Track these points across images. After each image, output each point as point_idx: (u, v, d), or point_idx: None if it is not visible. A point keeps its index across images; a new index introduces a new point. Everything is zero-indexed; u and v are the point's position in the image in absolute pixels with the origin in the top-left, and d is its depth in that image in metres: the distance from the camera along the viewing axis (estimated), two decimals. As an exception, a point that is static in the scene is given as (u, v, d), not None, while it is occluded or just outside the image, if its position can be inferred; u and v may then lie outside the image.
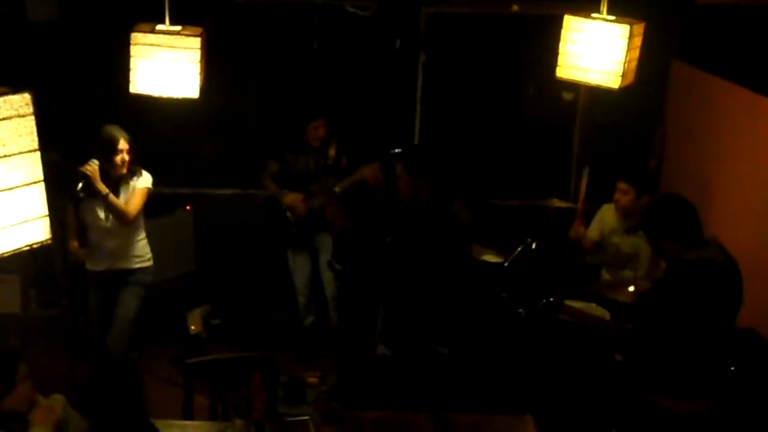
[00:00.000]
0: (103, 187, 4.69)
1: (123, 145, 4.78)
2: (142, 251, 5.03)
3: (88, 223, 4.91)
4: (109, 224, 4.86)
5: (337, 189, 5.73)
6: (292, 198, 5.76)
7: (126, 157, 4.80)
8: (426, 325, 4.70)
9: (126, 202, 4.82)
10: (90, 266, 5.01)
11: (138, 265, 4.99)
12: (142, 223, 5.01)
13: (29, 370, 3.22)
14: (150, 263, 5.06)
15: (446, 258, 4.62)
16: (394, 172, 5.06)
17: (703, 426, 3.72)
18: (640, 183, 5.04)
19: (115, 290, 4.96)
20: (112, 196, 4.74)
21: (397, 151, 5.15)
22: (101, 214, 4.84)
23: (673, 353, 3.67)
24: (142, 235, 5.04)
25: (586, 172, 5.39)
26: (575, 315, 4.44)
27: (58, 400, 3.38)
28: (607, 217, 5.28)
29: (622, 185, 5.09)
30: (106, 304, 5.00)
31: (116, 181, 4.82)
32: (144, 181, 4.90)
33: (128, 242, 4.95)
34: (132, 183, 4.87)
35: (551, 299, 4.41)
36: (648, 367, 3.79)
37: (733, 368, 4.11)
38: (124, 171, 4.81)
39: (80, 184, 4.63)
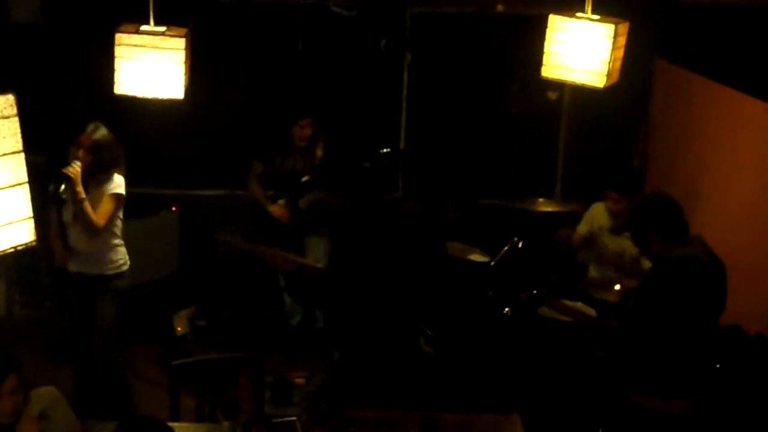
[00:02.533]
0: (81, 191, 4.58)
1: (85, 138, 4.63)
2: (117, 256, 4.88)
3: (66, 225, 4.84)
4: (79, 227, 4.80)
5: (302, 203, 5.75)
6: (277, 211, 5.75)
7: (81, 156, 4.61)
8: (381, 325, 4.74)
9: (95, 211, 4.66)
10: (68, 266, 4.95)
11: (112, 272, 4.87)
12: (116, 227, 4.86)
13: (21, 383, 3.17)
14: (125, 268, 4.91)
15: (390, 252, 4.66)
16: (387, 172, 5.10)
17: (687, 424, 3.74)
18: (631, 191, 5.01)
19: (91, 295, 4.90)
20: (86, 204, 4.60)
21: (385, 151, 5.16)
22: (72, 218, 4.78)
23: (656, 352, 3.69)
24: (117, 239, 4.89)
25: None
26: (561, 310, 4.45)
27: (46, 394, 3.35)
28: (597, 215, 5.29)
29: (612, 195, 5.07)
30: (82, 306, 4.92)
31: (84, 184, 4.64)
32: (114, 186, 4.73)
33: (101, 247, 4.82)
34: (101, 188, 4.71)
35: (536, 291, 4.43)
36: (631, 366, 3.80)
37: (717, 366, 4.13)
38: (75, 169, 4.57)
39: (63, 186, 4.58)
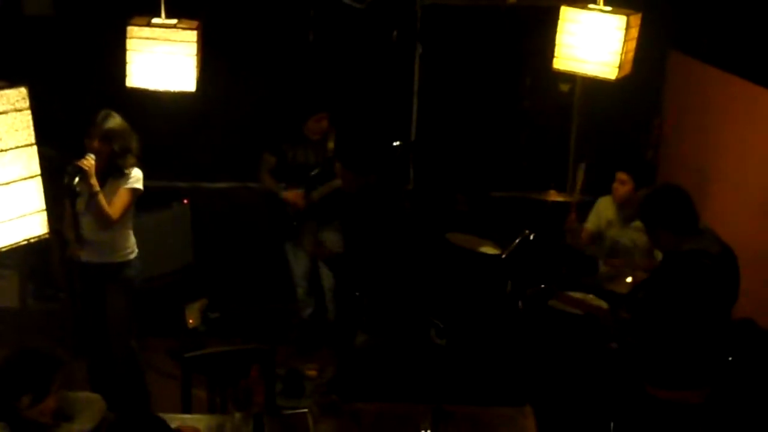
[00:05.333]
0: (95, 184, 4.60)
1: (97, 128, 4.63)
2: (125, 244, 4.91)
3: (78, 214, 4.84)
4: (91, 217, 4.81)
5: (314, 195, 5.74)
6: (292, 195, 5.74)
7: (96, 146, 4.62)
8: (403, 312, 4.74)
9: (110, 204, 4.69)
10: (80, 257, 4.96)
11: (120, 260, 4.89)
12: (128, 218, 4.88)
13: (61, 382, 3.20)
14: (132, 257, 4.94)
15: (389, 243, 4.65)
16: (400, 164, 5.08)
17: (701, 415, 3.73)
18: (639, 174, 5.04)
19: (100, 286, 4.91)
20: (101, 197, 4.63)
21: (397, 144, 5.16)
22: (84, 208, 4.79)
23: (667, 344, 3.68)
24: (127, 229, 4.92)
25: (582, 166, 5.37)
26: (570, 302, 4.45)
27: (97, 401, 3.39)
28: (604, 209, 5.27)
29: (621, 175, 5.07)
30: (90, 296, 4.94)
31: (102, 176, 4.68)
32: (133, 181, 4.77)
33: (111, 236, 4.84)
34: (118, 181, 4.74)
35: (542, 286, 4.43)
36: (644, 358, 3.80)
37: (730, 358, 4.11)
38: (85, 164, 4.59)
39: (77, 178, 4.60)
